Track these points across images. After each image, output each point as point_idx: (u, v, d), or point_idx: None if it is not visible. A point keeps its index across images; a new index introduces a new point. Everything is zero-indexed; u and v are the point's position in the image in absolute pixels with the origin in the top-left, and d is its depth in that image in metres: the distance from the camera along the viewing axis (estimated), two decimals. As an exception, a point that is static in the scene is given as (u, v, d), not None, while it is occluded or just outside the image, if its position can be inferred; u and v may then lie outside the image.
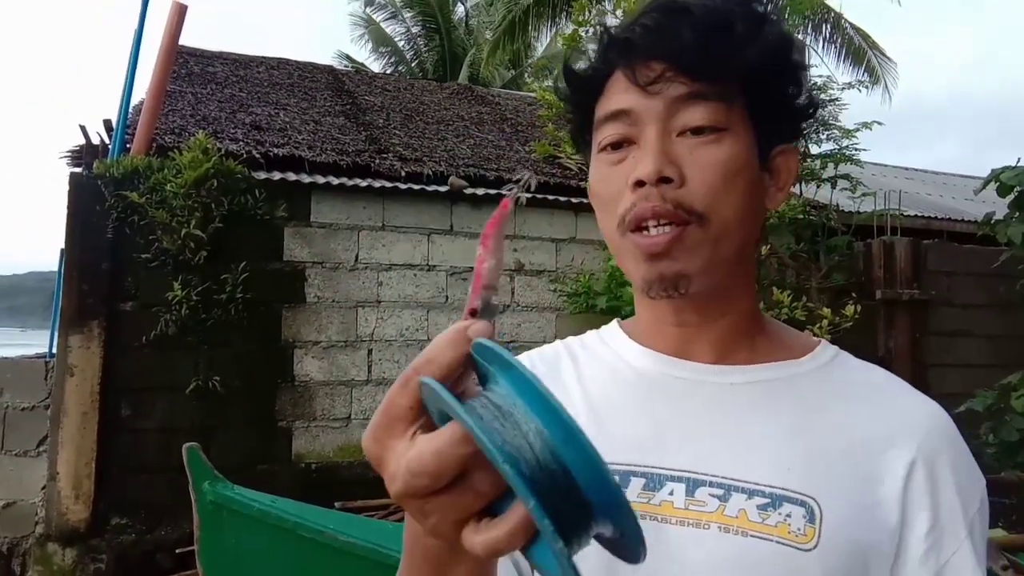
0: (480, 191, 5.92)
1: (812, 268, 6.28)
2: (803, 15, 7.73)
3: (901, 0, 9.26)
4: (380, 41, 17.03)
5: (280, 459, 5.24)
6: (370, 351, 5.56)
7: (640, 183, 0.66)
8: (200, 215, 4.91)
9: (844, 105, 6.59)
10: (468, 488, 0.39)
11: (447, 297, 5.81)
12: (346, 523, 3.33)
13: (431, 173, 6.04)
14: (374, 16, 17.18)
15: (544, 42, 13.60)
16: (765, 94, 0.69)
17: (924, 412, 0.70)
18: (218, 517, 3.07)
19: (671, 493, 0.67)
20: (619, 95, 0.69)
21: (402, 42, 17.19)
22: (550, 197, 5.98)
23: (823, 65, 12.32)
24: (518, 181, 0.47)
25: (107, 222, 4.90)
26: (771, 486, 0.65)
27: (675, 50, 0.66)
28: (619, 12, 5.83)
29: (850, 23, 8.87)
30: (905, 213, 7.47)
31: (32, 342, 19.10)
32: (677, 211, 0.65)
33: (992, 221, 5.51)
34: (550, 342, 0.86)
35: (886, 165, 11.08)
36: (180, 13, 5.43)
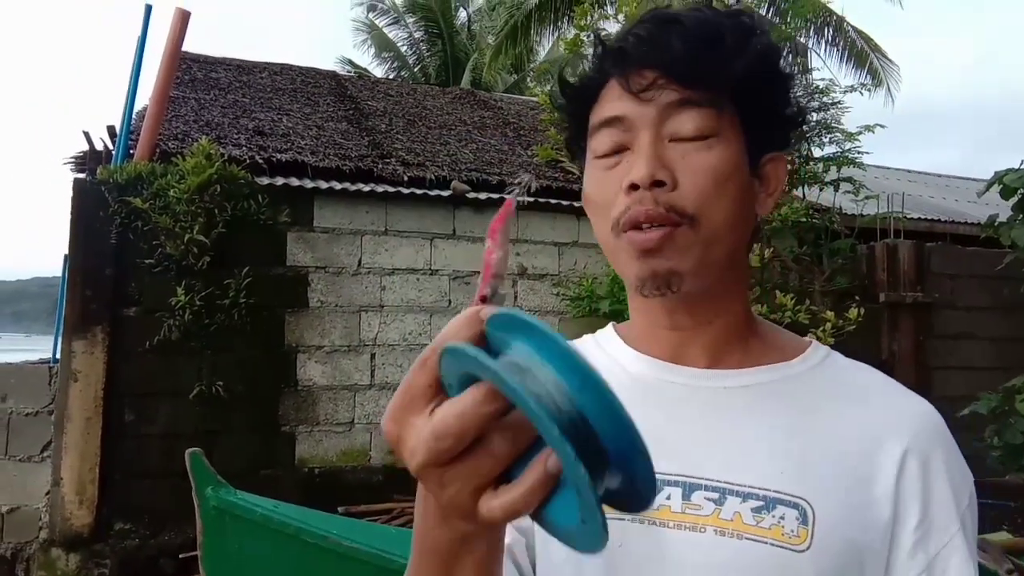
0: (482, 195, 5.92)
1: (815, 271, 6.27)
2: (805, 18, 7.73)
3: (903, 3, 9.28)
4: (383, 46, 17.08)
5: (283, 464, 5.24)
6: (373, 355, 5.56)
7: (634, 186, 0.68)
8: (203, 220, 4.92)
9: (847, 108, 6.58)
10: (486, 452, 0.41)
11: (450, 301, 5.81)
12: (349, 528, 3.32)
13: (433, 178, 6.05)
14: (377, 21, 17.24)
15: (546, 46, 13.61)
16: (754, 103, 0.71)
17: (915, 411, 0.72)
18: (221, 522, 3.06)
19: (668, 497, 0.68)
20: (613, 102, 0.71)
21: (404, 47, 17.24)
22: (552, 201, 5.99)
23: (825, 68, 12.34)
24: (519, 183, 0.50)
25: (111, 227, 4.92)
26: (764, 489, 0.66)
27: (667, 59, 0.68)
28: (620, 16, 5.84)
29: (852, 26, 8.87)
30: (908, 216, 7.46)
31: (36, 347, 19.14)
32: (669, 214, 0.67)
33: (995, 223, 5.50)
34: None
35: (889, 168, 11.07)
36: (183, 19, 5.44)
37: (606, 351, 0.81)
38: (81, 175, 5.73)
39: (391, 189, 5.75)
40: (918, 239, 7.03)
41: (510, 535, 0.71)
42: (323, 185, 5.54)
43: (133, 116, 5.83)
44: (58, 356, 5.13)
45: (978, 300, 6.91)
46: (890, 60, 9.24)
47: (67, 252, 5.08)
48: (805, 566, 0.64)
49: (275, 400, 5.28)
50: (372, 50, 17.20)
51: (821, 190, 6.51)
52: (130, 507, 4.83)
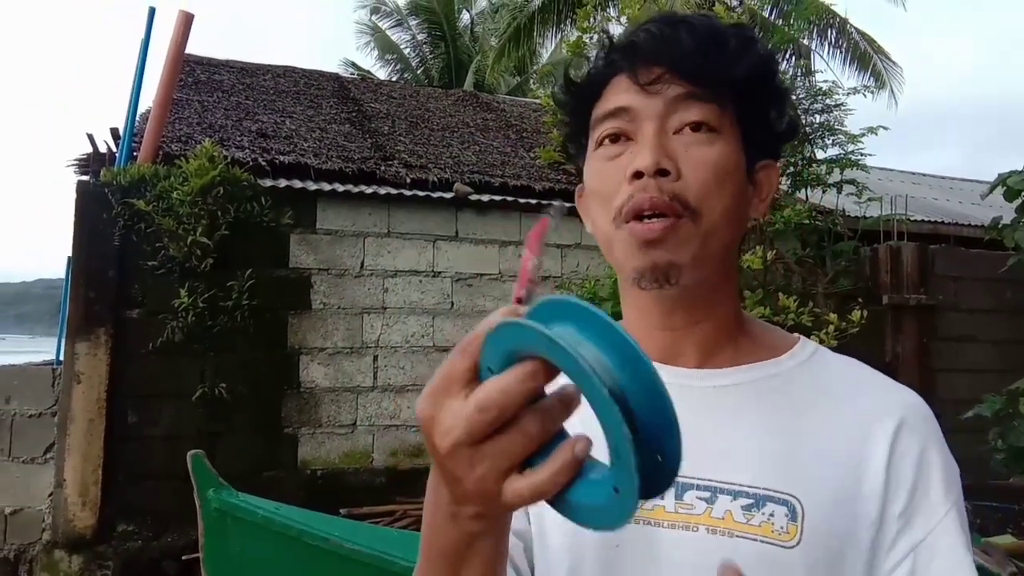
0: (485, 197, 5.93)
1: (818, 273, 6.27)
2: (808, 20, 7.73)
3: (906, 5, 9.27)
4: (386, 48, 17.10)
5: (286, 466, 5.24)
6: (375, 357, 5.56)
7: (638, 174, 0.69)
8: (206, 222, 4.93)
9: (850, 110, 6.57)
10: (519, 431, 0.42)
11: (452, 303, 5.81)
12: (351, 530, 3.32)
13: (436, 180, 6.05)
14: (380, 24, 17.26)
15: (549, 49, 13.63)
16: (753, 106, 0.73)
17: (905, 402, 0.72)
18: (222, 524, 3.06)
19: (662, 497, 0.68)
20: (619, 95, 0.73)
21: (408, 49, 17.26)
22: (555, 203, 5.98)
23: (829, 70, 12.33)
24: (554, 205, 0.56)
25: (114, 230, 4.93)
26: (754, 487, 0.68)
27: (676, 55, 0.70)
28: (623, 19, 5.84)
29: (856, 28, 8.87)
30: (912, 218, 7.44)
31: (39, 349, 19.17)
32: (673, 203, 0.68)
33: (999, 225, 5.50)
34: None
35: (892, 170, 11.05)
36: (186, 22, 5.45)
37: None
38: (85, 177, 5.74)
39: (394, 191, 5.75)
40: (921, 241, 7.02)
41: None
42: (326, 187, 5.55)
43: (136, 118, 5.84)
44: (61, 358, 5.14)
45: (982, 302, 6.89)
46: (893, 62, 9.24)
47: (70, 254, 5.09)
48: (795, 562, 0.65)
49: (277, 402, 5.28)
50: (375, 52, 17.24)
51: (824, 192, 6.50)
52: (133, 509, 4.84)
